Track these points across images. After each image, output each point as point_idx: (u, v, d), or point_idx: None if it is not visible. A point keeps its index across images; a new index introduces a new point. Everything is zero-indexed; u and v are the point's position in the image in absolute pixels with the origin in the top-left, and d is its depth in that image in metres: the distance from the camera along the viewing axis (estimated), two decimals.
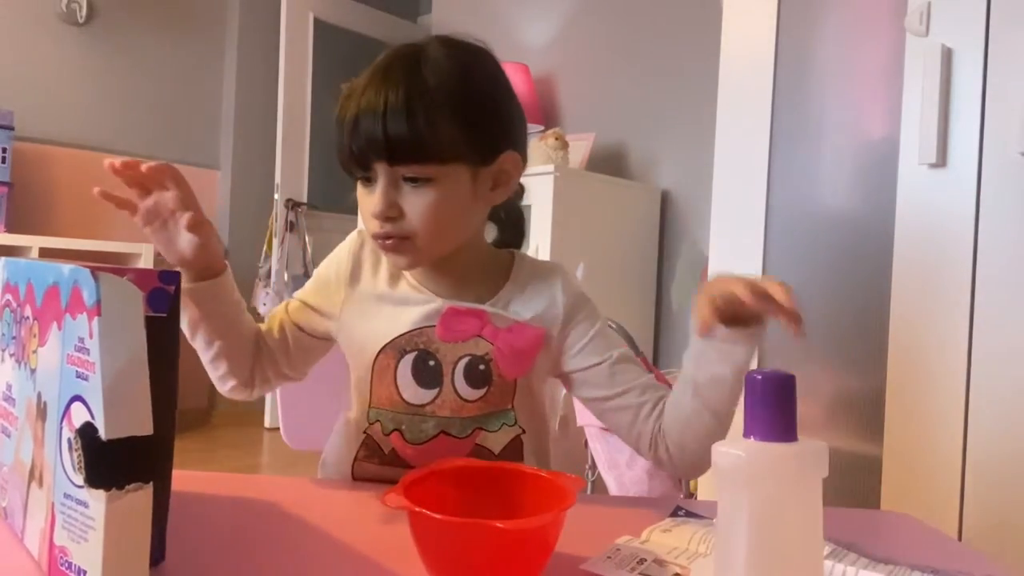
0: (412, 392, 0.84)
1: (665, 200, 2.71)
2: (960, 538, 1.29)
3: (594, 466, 2.05)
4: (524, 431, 0.87)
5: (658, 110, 2.73)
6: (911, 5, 1.39)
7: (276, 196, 3.79)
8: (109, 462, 0.46)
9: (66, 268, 0.51)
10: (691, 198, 2.65)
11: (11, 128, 3.15)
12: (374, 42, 4.31)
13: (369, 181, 0.81)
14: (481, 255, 0.91)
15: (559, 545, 0.58)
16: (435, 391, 0.84)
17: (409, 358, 0.85)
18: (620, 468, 1.91)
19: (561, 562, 0.59)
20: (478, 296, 0.87)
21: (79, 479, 0.48)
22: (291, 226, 3.82)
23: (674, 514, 0.75)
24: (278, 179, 3.80)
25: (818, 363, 1.58)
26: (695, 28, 2.59)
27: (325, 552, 0.61)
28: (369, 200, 0.81)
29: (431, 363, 0.84)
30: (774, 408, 0.44)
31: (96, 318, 0.46)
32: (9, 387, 0.63)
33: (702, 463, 0.83)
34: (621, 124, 2.82)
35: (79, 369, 0.48)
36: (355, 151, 0.79)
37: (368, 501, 0.78)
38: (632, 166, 2.80)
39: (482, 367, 0.84)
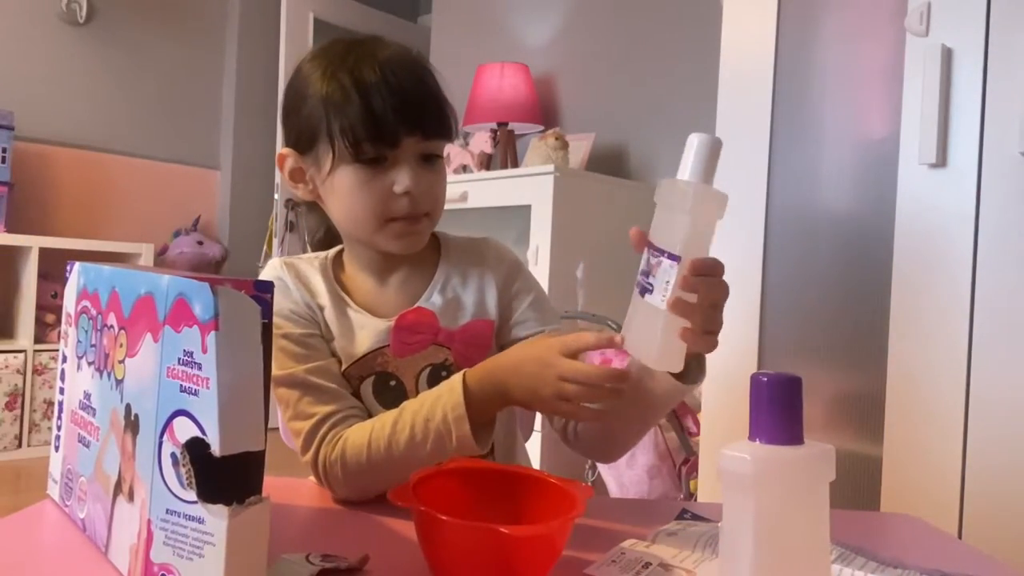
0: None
1: None
2: (960, 538, 1.29)
3: (594, 466, 2.05)
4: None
5: (658, 110, 2.73)
6: (911, 5, 1.39)
7: (276, 196, 3.79)
8: (226, 477, 0.46)
9: (164, 278, 0.50)
10: None
11: (11, 128, 3.15)
12: None
13: (378, 162, 0.81)
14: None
15: (563, 548, 0.58)
16: None
17: (368, 383, 0.84)
18: (620, 468, 1.91)
19: (566, 565, 0.59)
20: (414, 287, 0.88)
21: (189, 495, 0.47)
22: (291, 226, 3.81)
23: (680, 517, 0.75)
24: (278, 179, 3.80)
25: (818, 363, 1.58)
26: (695, 28, 2.59)
27: (326, 551, 0.61)
28: (381, 181, 0.81)
29: (392, 383, 0.84)
30: (780, 411, 0.43)
31: (213, 333, 0.45)
32: (88, 396, 0.62)
33: (593, 452, 0.90)
34: (621, 124, 2.82)
35: (184, 383, 0.47)
36: (386, 128, 0.79)
37: (370, 501, 0.78)
38: (632, 166, 2.80)
39: (444, 373, 0.84)
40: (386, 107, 0.78)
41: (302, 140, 0.84)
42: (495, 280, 0.90)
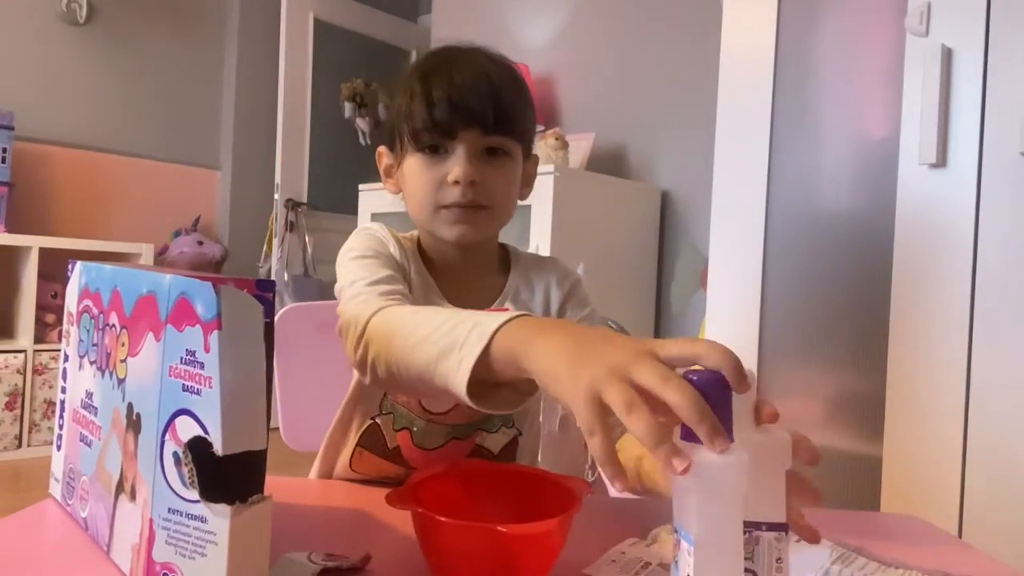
0: (431, 400, 0.84)
1: (665, 200, 2.71)
2: (960, 538, 1.29)
3: (594, 466, 2.05)
4: (521, 432, 0.88)
5: (658, 110, 2.73)
6: (911, 5, 1.40)
7: (276, 196, 3.79)
8: (228, 476, 0.46)
9: (166, 278, 0.50)
10: (691, 198, 2.65)
11: (11, 128, 3.15)
12: (374, 42, 4.31)
13: (436, 152, 0.84)
14: (496, 249, 0.95)
15: (563, 545, 0.58)
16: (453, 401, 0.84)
17: None
18: None
19: (565, 565, 0.59)
20: (488, 291, 0.90)
21: (192, 494, 0.47)
22: (291, 226, 3.82)
23: None
24: (278, 179, 3.80)
25: (818, 363, 1.58)
26: (695, 28, 2.59)
27: (328, 550, 0.61)
28: (438, 170, 0.84)
29: None
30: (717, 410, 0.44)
31: (215, 332, 0.45)
32: (89, 395, 0.62)
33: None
34: (621, 124, 2.83)
35: (187, 382, 0.47)
36: (441, 117, 0.82)
37: (371, 501, 0.78)
38: (632, 166, 2.80)
39: None
40: (443, 98, 0.81)
41: (387, 136, 0.90)
42: (559, 296, 0.93)
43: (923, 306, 1.37)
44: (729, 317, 1.64)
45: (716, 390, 0.44)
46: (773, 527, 0.46)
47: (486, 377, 0.57)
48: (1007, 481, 1.27)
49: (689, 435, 0.44)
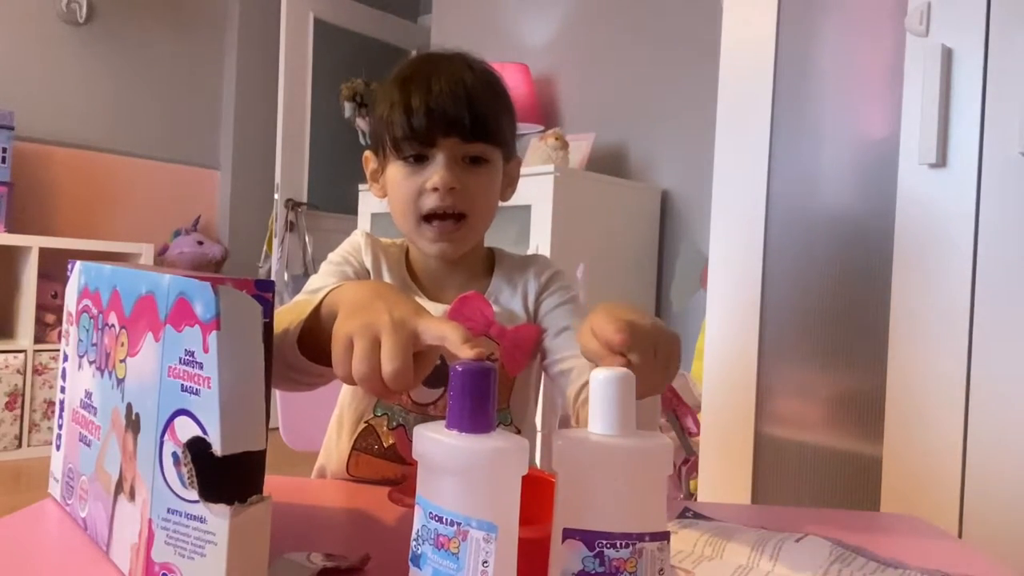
0: (418, 391, 0.85)
1: (665, 200, 2.71)
2: (960, 538, 1.29)
3: None
4: (519, 431, 0.89)
5: (658, 110, 2.73)
6: (911, 5, 1.40)
7: (276, 196, 3.79)
8: (227, 477, 0.46)
9: (165, 278, 0.50)
10: (691, 198, 2.65)
11: (11, 128, 3.15)
12: (374, 42, 4.31)
13: (418, 160, 0.85)
14: (480, 253, 0.96)
15: None
16: (440, 390, 0.85)
17: None
18: None
19: None
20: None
21: (191, 494, 0.47)
22: (291, 226, 3.82)
23: (682, 516, 0.75)
24: (278, 179, 3.80)
25: (818, 363, 1.58)
26: (695, 28, 2.59)
27: (327, 550, 0.61)
28: (418, 178, 0.85)
29: (437, 361, 0.85)
30: (471, 400, 0.45)
31: (214, 332, 0.45)
32: (88, 395, 0.62)
33: None
34: (621, 124, 2.83)
35: (185, 383, 0.47)
36: (420, 127, 0.83)
37: (371, 501, 0.78)
38: (632, 166, 2.80)
39: None
40: (421, 107, 0.82)
41: (373, 141, 0.92)
42: (535, 288, 0.93)
43: (923, 306, 1.37)
44: (729, 317, 1.64)
45: (477, 379, 0.45)
46: (656, 537, 0.46)
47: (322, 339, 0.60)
48: (1007, 481, 1.27)
49: (454, 424, 0.45)
